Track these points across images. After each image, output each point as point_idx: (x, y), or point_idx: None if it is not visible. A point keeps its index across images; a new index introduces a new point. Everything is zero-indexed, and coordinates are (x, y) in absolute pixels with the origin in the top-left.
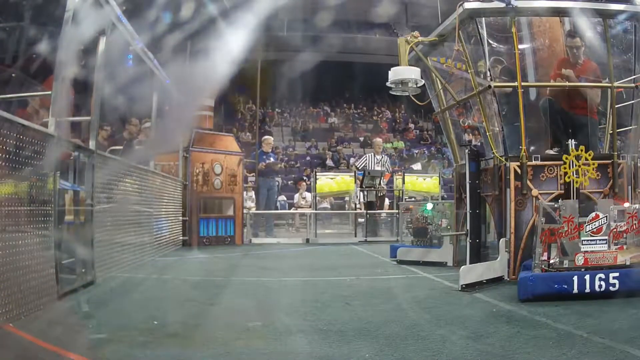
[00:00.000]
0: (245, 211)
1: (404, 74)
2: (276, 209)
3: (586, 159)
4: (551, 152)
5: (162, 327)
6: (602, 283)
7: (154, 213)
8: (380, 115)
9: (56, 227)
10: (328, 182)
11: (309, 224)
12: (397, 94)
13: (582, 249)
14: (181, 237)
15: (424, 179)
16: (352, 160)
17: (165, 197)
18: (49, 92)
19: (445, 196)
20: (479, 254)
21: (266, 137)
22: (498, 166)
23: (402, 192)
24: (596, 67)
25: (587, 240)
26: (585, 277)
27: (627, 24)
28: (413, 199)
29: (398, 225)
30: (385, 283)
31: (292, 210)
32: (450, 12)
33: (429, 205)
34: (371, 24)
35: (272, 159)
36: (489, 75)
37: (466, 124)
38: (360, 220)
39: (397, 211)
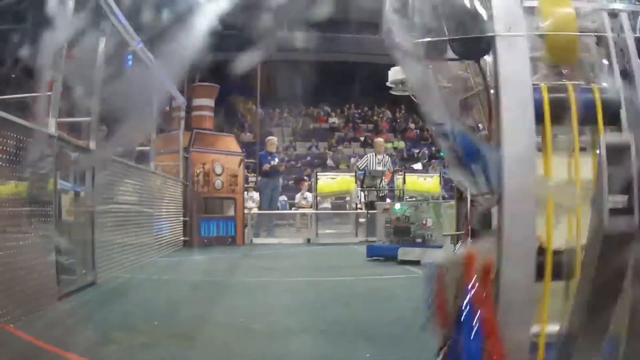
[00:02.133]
0: (246, 211)
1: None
2: (277, 209)
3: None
4: None
5: (162, 328)
6: None
7: (154, 213)
8: (381, 115)
9: (57, 227)
10: (328, 182)
11: (310, 224)
12: (397, 94)
13: None
14: (182, 238)
15: (425, 179)
16: (352, 160)
17: (166, 197)
18: (49, 93)
19: (446, 196)
20: None
21: (270, 137)
22: None
23: (403, 192)
24: None
25: None
26: None
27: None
28: (414, 199)
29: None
30: (386, 283)
31: (293, 211)
32: None
33: (397, 205)
34: (371, 24)
35: (276, 160)
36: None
37: None
38: (361, 220)
39: None
